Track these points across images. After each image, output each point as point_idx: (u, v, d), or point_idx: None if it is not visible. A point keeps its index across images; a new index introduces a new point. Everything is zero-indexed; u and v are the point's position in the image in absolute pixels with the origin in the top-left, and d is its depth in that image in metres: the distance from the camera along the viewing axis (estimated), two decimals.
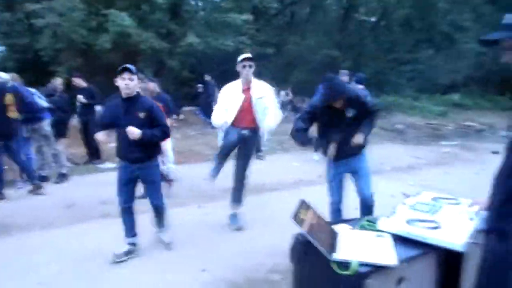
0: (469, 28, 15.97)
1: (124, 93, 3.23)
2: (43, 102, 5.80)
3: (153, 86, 5.29)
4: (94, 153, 7.23)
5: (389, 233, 1.96)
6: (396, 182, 6.05)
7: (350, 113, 3.12)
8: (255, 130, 3.91)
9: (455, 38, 16.83)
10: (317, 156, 6.26)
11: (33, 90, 5.83)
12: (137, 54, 10.14)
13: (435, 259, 1.92)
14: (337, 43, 16.99)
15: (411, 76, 18.36)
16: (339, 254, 1.71)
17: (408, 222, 1.99)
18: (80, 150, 7.52)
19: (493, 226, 1.73)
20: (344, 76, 6.94)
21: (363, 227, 2.08)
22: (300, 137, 3.21)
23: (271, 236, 3.77)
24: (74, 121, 7.38)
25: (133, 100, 3.27)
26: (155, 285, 3.02)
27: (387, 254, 1.73)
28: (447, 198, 2.39)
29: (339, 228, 2.03)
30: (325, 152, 3.29)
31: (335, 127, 3.16)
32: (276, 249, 3.33)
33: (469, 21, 16.38)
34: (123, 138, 3.26)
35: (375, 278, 1.64)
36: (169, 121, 5.30)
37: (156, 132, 3.32)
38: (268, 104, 3.90)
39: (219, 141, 4.07)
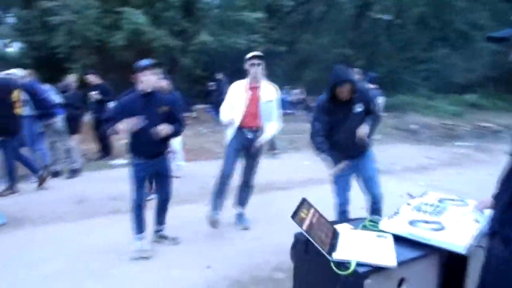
0: (485, 26, 15.60)
1: (149, 88, 3.24)
2: (56, 98, 5.91)
3: (165, 83, 5.33)
4: (105, 150, 7.33)
5: (390, 233, 1.94)
6: (406, 182, 5.98)
7: (358, 108, 3.09)
8: (260, 129, 3.88)
9: (471, 37, 16.48)
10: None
11: (47, 86, 5.95)
12: (150, 52, 10.19)
13: (437, 261, 1.89)
14: (351, 42, 16.83)
15: (426, 75, 18.06)
16: (338, 254, 1.70)
17: (411, 223, 1.97)
18: (93, 146, 7.63)
19: (497, 231, 1.69)
20: (356, 75, 6.88)
21: (365, 227, 2.06)
22: (318, 142, 3.21)
23: (277, 235, 3.75)
24: (87, 118, 7.50)
25: (151, 96, 3.29)
26: (160, 281, 3.05)
27: (387, 255, 1.71)
28: (453, 199, 2.34)
29: (340, 227, 2.02)
30: (331, 161, 3.25)
31: (341, 125, 3.13)
32: (281, 248, 3.30)
33: (485, 19, 16.02)
34: (143, 134, 3.22)
35: (374, 278, 1.63)
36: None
37: (175, 127, 3.38)
38: (273, 110, 3.90)
39: (227, 138, 4.04)
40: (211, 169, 5.99)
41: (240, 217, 4.18)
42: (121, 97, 3.48)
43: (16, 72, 5.38)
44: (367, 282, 1.61)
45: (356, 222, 2.16)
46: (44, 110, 5.61)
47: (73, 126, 6.30)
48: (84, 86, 7.37)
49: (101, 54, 11.00)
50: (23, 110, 5.52)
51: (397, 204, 2.42)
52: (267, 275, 3.16)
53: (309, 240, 1.69)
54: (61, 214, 4.51)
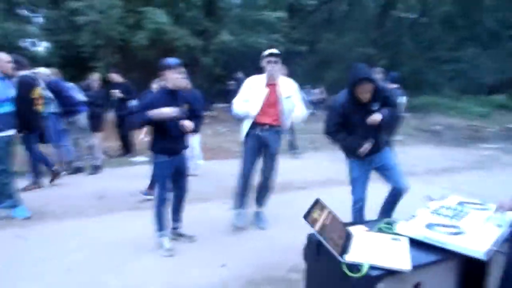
0: None
1: (175, 86, 3.29)
2: (80, 96, 6.06)
3: (185, 82, 5.38)
4: (127, 147, 7.47)
5: (406, 237, 1.88)
6: (429, 185, 5.83)
7: (375, 106, 3.03)
8: (276, 128, 3.83)
9: (501, 36, 15.93)
10: None
11: (71, 84, 6.11)
12: (172, 51, 10.30)
13: (456, 267, 1.83)
14: (374, 41, 16.56)
15: (452, 75, 17.59)
16: (351, 256, 1.67)
17: (428, 226, 1.91)
18: (115, 144, 7.79)
19: None
20: (378, 74, 6.76)
21: (380, 230, 2.01)
22: (337, 136, 3.24)
23: (294, 235, 3.69)
24: (110, 116, 7.67)
25: (176, 93, 3.34)
26: (176, 277, 3.08)
27: (401, 258, 1.66)
28: (474, 203, 2.27)
29: (355, 229, 1.98)
30: (349, 152, 3.22)
31: (359, 126, 3.09)
32: (298, 248, 3.24)
33: None
34: (171, 131, 3.28)
35: (387, 282, 1.59)
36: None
37: (197, 123, 3.46)
38: (296, 103, 3.85)
39: (242, 134, 4.00)
40: (229, 168, 6.03)
41: (258, 216, 4.15)
42: (147, 93, 3.50)
43: (42, 71, 5.54)
44: (380, 286, 1.58)
45: (371, 224, 2.11)
46: (68, 107, 5.77)
47: (95, 124, 6.45)
48: (107, 84, 7.52)
49: (124, 53, 11.22)
50: (49, 108, 5.71)
51: (417, 207, 2.36)
52: (282, 275, 3.14)
53: (321, 241, 1.66)
54: (82, 209, 4.62)
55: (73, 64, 11.84)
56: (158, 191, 3.44)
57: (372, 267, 1.60)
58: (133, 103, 6.94)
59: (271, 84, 3.76)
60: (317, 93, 13.88)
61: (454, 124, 12.74)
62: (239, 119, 3.90)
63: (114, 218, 4.39)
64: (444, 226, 1.92)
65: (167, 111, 3.18)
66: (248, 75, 4.08)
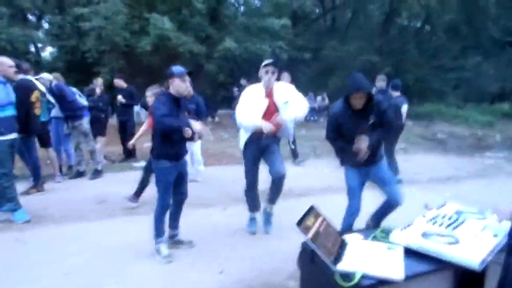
0: None
1: (179, 93, 3.30)
2: (83, 101, 6.10)
3: (189, 90, 5.42)
4: (129, 152, 7.49)
5: (401, 246, 1.87)
6: (431, 193, 5.78)
7: (371, 120, 3.06)
8: (277, 137, 3.83)
9: (506, 44, 15.87)
10: None
11: (74, 89, 6.15)
12: (176, 57, 10.38)
13: (451, 277, 1.81)
14: (378, 49, 16.58)
15: (456, 84, 17.57)
16: (343, 265, 1.65)
17: (424, 235, 1.89)
18: (118, 148, 7.81)
19: None
20: (381, 82, 6.75)
21: (375, 238, 2.00)
22: (333, 142, 3.35)
23: (293, 242, 3.69)
24: (113, 120, 7.71)
25: (179, 100, 3.35)
26: (174, 282, 3.07)
27: (394, 268, 1.65)
28: (471, 212, 2.24)
29: (349, 237, 1.96)
30: (343, 161, 3.26)
31: (354, 136, 3.12)
32: (296, 255, 3.28)
33: None
34: (179, 137, 3.28)
35: None
36: (201, 123, 5.41)
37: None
38: (295, 101, 3.77)
39: (240, 143, 3.99)
40: (232, 173, 6.04)
41: (267, 218, 4.09)
42: (160, 99, 3.40)
43: (45, 76, 5.60)
44: None
45: (367, 233, 2.09)
46: (70, 112, 5.82)
47: (98, 128, 6.49)
48: (111, 89, 7.58)
49: (129, 58, 11.31)
50: (51, 112, 5.76)
51: (417, 215, 2.34)
52: (280, 282, 3.12)
53: (314, 249, 1.65)
54: (82, 213, 4.63)
55: (78, 69, 11.95)
56: (160, 198, 3.42)
57: (365, 276, 1.58)
58: (137, 108, 6.99)
59: (270, 94, 3.74)
60: (320, 100, 13.89)
61: (458, 133, 12.68)
62: (245, 129, 3.86)
63: (114, 222, 4.39)
64: (440, 235, 1.90)
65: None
66: (252, 82, 4.06)
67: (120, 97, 7.12)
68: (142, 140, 6.51)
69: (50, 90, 5.54)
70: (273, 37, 12.04)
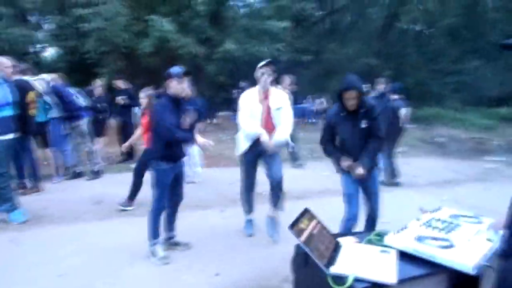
0: None
1: (177, 95, 3.29)
2: (82, 102, 6.11)
3: (187, 91, 5.41)
4: (128, 153, 7.48)
5: (395, 249, 1.86)
6: (429, 196, 5.80)
7: (363, 124, 3.11)
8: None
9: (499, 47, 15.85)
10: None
11: (73, 90, 6.16)
12: (175, 59, 10.37)
13: (445, 281, 1.80)
14: (378, 52, 16.60)
15: (455, 87, 17.54)
16: (336, 268, 1.65)
17: (418, 239, 1.89)
18: (117, 150, 7.80)
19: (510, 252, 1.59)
20: (380, 85, 6.77)
21: (370, 241, 1.99)
22: (327, 150, 3.39)
23: (290, 245, 3.70)
24: (113, 121, 7.70)
25: (178, 101, 3.34)
26: (169, 284, 3.07)
27: (387, 271, 1.64)
28: (467, 216, 2.24)
29: (344, 240, 1.96)
30: (339, 166, 3.31)
31: (348, 139, 3.20)
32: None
33: None
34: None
35: None
36: (200, 125, 5.42)
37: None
38: (285, 115, 3.79)
39: (239, 148, 4.00)
40: (230, 175, 6.03)
41: (271, 223, 3.98)
42: (159, 104, 3.41)
43: (45, 76, 5.61)
44: None
45: (361, 236, 2.09)
46: (70, 112, 5.82)
47: (97, 129, 6.49)
48: (111, 90, 7.58)
49: (129, 60, 11.31)
50: (51, 113, 5.76)
51: (413, 218, 2.34)
52: (275, 285, 3.11)
53: (307, 252, 1.65)
54: (80, 214, 4.63)
55: (79, 69, 11.97)
56: (157, 199, 3.42)
57: (358, 280, 1.58)
58: (136, 110, 6.99)
59: (265, 97, 3.75)
60: (318, 103, 13.90)
61: (457, 136, 12.67)
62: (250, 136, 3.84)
63: (111, 223, 4.39)
64: (434, 239, 1.89)
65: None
66: (252, 84, 4.06)
67: (119, 98, 7.12)
68: (141, 141, 6.51)
69: (48, 91, 5.54)
70: (273, 40, 12.04)
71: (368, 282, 1.58)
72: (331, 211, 3.54)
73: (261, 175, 4.05)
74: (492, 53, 16.67)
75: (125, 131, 7.27)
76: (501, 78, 16.97)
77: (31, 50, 12.54)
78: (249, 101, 3.78)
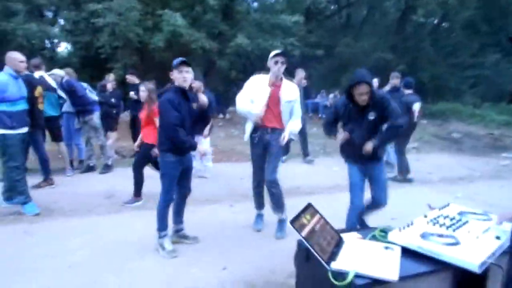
0: None
1: (182, 85, 3.30)
2: (93, 96, 6.18)
3: (198, 85, 5.42)
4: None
5: (399, 246, 1.83)
6: (442, 193, 5.70)
7: (370, 117, 3.07)
8: (279, 130, 3.77)
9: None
10: None
11: (84, 84, 6.24)
12: (188, 53, 10.41)
13: (450, 279, 1.76)
14: (393, 46, 16.32)
15: (473, 82, 17.16)
16: (338, 263, 1.63)
17: (423, 236, 1.85)
18: (129, 144, 7.89)
19: None
20: (394, 79, 6.66)
21: (374, 237, 1.96)
22: (327, 129, 3.49)
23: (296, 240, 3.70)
24: (125, 116, 7.78)
25: (185, 92, 3.34)
26: (175, 278, 3.08)
27: (390, 268, 1.61)
28: (475, 213, 2.18)
29: (347, 236, 1.93)
30: (346, 156, 3.34)
31: (354, 130, 3.19)
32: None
33: None
34: (186, 130, 3.32)
35: None
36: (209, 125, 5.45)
37: (206, 124, 3.54)
38: (294, 110, 3.80)
39: (246, 135, 3.97)
40: (241, 170, 6.03)
41: (279, 225, 3.95)
42: (165, 97, 3.38)
43: (57, 72, 5.68)
44: None
45: (366, 232, 2.06)
46: (81, 107, 5.90)
47: (109, 123, 6.56)
48: (124, 85, 7.64)
49: (142, 54, 11.40)
50: (63, 107, 5.85)
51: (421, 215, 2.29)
52: (282, 281, 3.10)
53: (308, 247, 1.63)
54: (91, 207, 4.70)
55: (92, 64, 12.11)
56: (165, 192, 3.43)
57: (359, 276, 1.56)
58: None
59: (275, 85, 3.71)
60: (332, 97, 13.77)
61: (473, 132, 12.41)
62: (242, 114, 3.86)
63: (122, 217, 4.45)
64: (439, 236, 1.85)
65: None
66: None
67: (132, 93, 7.18)
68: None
69: (62, 85, 5.62)
70: (285, 34, 11.96)
71: (369, 278, 1.55)
72: (339, 207, 3.52)
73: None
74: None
75: (137, 126, 7.32)
76: None
77: (47, 45, 12.72)
78: (256, 83, 3.75)
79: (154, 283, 3.01)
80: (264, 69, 3.83)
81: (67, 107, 5.88)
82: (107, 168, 6.25)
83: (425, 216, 2.13)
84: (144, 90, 4.83)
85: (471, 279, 1.75)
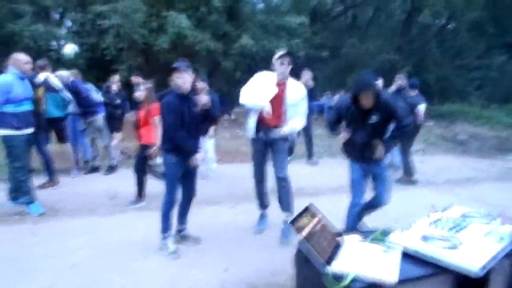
0: None
1: (182, 89, 3.30)
2: (98, 97, 6.22)
3: (202, 85, 5.44)
4: None
5: (399, 248, 1.81)
6: (448, 195, 5.65)
7: (373, 119, 3.07)
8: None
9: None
10: None
11: (89, 85, 6.28)
12: (193, 55, 10.43)
13: (450, 282, 1.74)
14: (399, 48, 16.22)
15: (480, 83, 17.02)
16: (336, 265, 1.62)
17: (424, 238, 1.83)
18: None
19: None
20: (400, 81, 6.62)
21: (374, 240, 1.94)
22: (330, 127, 3.50)
23: None
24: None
25: (189, 96, 3.35)
26: (176, 279, 3.09)
27: (388, 271, 1.60)
28: (478, 216, 2.16)
29: (348, 238, 1.92)
30: (348, 154, 3.36)
31: (357, 131, 3.20)
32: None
33: None
34: (189, 132, 3.35)
35: None
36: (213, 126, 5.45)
37: (210, 125, 3.54)
38: (301, 109, 3.78)
39: (249, 129, 3.95)
40: (245, 171, 5.99)
41: (285, 228, 3.85)
42: (165, 100, 3.42)
43: (62, 73, 5.72)
44: None
45: (366, 233, 2.04)
46: (85, 108, 5.93)
47: (113, 124, 6.59)
48: (129, 86, 7.66)
49: (147, 56, 11.41)
50: (68, 108, 5.88)
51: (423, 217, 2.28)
52: (282, 282, 3.09)
53: (307, 248, 1.62)
54: (94, 208, 4.72)
55: (98, 66, 12.13)
56: (167, 192, 3.45)
57: (357, 279, 1.54)
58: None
59: (280, 85, 3.69)
60: (337, 99, 13.72)
61: (480, 134, 12.29)
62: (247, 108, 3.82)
63: (125, 217, 4.46)
64: (440, 239, 1.83)
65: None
66: None
67: (137, 94, 7.19)
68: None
69: (67, 87, 5.65)
70: (290, 35, 11.94)
71: (367, 281, 1.54)
72: (343, 208, 3.51)
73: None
74: None
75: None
76: None
77: (53, 47, 12.79)
78: (264, 80, 3.71)
79: (157, 283, 3.02)
80: (269, 70, 3.82)
81: (72, 108, 5.91)
82: (111, 169, 6.27)
83: (428, 218, 2.12)
84: (143, 90, 4.85)
85: (472, 282, 1.73)
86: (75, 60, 13.01)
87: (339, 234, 1.93)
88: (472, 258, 1.67)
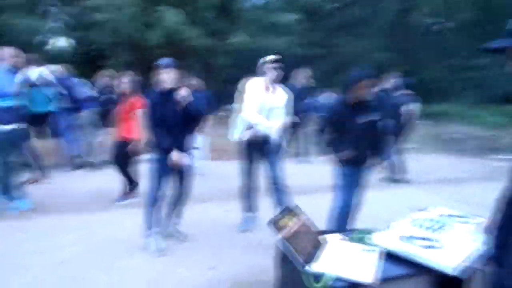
0: None
1: (164, 85, 3.31)
2: (88, 93, 6.18)
3: (195, 82, 5.43)
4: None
5: (379, 248, 1.84)
6: (437, 195, 5.70)
7: (369, 117, 3.05)
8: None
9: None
10: None
11: (79, 80, 6.23)
12: (184, 51, 10.40)
13: (430, 282, 1.77)
14: (392, 47, 16.30)
15: (469, 84, 17.14)
16: (315, 265, 1.64)
17: (403, 238, 1.86)
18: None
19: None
20: (389, 79, 6.64)
21: (356, 239, 1.97)
22: (326, 138, 3.42)
23: None
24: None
25: (170, 93, 3.33)
26: (162, 276, 3.09)
27: (367, 271, 1.63)
28: (458, 216, 2.20)
29: (329, 238, 1.94)
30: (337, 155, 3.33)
31: (351, 131, 3.17)
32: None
33: None
34: (172, 130, 3.35)
35: None
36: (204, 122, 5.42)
37: (196, 122, 3.57)
38: (282, 113, 3.82)
39: (235, 133, 3.96)
40: (233, 169, 6.02)
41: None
42: (150, 98, 3.44)
43: (52, 68, 5.67)
44: None
45: (347, 233, 2.07)
46: (76, 103, 5.89)
47: (104, 120, 6.54)
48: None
49: (139, 51, 11.34)
50: (58, 103, 5.83)
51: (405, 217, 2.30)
52: (269, 280, 3.09)
53: (287, 248, 1.64)
54: (83, 205, 4.70)
55: (88, 60, 12.06)
56: (150, 190, 3.43)
57: (335, 278, 1.57)
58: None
59: (270, 90, 3.72)
60: (326, 96, 13.75)
61: (470, 134, 12.42)
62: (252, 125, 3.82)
63: (114, 214, 4.45)
64: (420, 238, 1.87)
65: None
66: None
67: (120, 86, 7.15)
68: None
69: (52, 82, 5.59)
70: (283, 32, 11.95)
71: (346, 281, 1.56)
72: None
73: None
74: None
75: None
76: None
77: (41, 40, 12.63)
78: (258, 90, 3.72)
79: (142, 281, 3.02)
80: (256, 73, 3.83)
81: (59, 103, 5.86)
82: (100, 165, 6.24)
83: (409, 218, 2.15)
84: (127, 83, 4.79)
85: (451, 282, 1.76)
86: (65, 54, 12.90)
87: (322, 234, 1.95)
88: (448, 258, 1.70)
